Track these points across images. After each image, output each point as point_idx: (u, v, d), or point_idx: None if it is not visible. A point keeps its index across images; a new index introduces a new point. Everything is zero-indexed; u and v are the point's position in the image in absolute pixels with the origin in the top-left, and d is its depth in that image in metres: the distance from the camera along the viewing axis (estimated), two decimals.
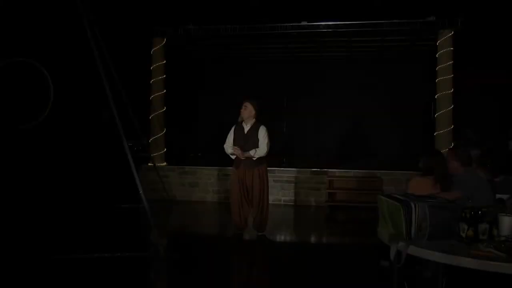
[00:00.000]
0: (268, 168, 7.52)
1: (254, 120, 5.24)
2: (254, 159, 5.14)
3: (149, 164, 8.18)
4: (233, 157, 5.28)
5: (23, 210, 6.84)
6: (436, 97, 7.75)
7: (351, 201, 7.43)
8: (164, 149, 8.43)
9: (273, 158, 7.79)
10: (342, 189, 7.52)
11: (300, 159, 9.06)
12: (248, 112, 5.17)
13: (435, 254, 2.45)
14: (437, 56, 7.66)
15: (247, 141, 5.15)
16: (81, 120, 11.56)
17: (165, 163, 8.41)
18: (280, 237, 5.97)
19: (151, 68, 8.27)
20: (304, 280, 4.24)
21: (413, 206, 2.67)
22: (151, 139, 8.38)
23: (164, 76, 8.32)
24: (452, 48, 7.53)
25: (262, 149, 5.11)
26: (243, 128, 5.26)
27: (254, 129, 5.19)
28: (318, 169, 7.76)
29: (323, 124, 10.64)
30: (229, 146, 5.24)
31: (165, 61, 8.31)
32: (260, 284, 4.39)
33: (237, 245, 5.52)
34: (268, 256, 5.32)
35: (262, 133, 5.14)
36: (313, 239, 6.05)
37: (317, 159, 9.40)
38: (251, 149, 5.11)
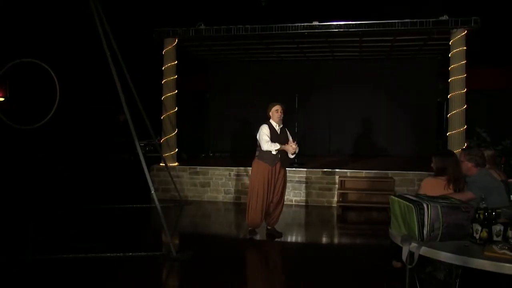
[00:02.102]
0: None
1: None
2: (291, 156, 5.35)
3: (161, 164, 8.22)
4: (274, 152, 5.19)
5: (29, 210, 6.94)
6: (449, 97, 7.66)
7: (363, 201, 7.38)
8: (175, 149, 8.47)
9: None
10: (353, 190, 7.47)
11: (311, 159, 9.04)
12: (282, 115, 5.37)
13: (448, 255, 2.44)
14: (450, 55, 7.58)
15: (283, 140, 5.31)
16: (92, 120, 11.73)
17: (176, 163, 8.45)
18: (292, 238, 5.95)
19: (163, 68, 8.31)
20: (315, 280, 4.24)
21: (425, 206, 2.66)
22: (163, 139, 8.42)
23: (176, 76, 8.36)
24: (465, 48, 7.44)
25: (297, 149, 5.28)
26: (274, 129, 5.36)
27: (283, 129, 5.42)
28: (330, 169, 7.73)
29: (334, 124, 10.60)
30: (274, 144, 5.17)
31: (176, 62, 8.34)
32: (271, 284, 4.40)
33: (248, 245, 5.53)
34: (280, 257, 5.33)
35: (288, 133, 5.42)
36: (324, 239, 6.03)
37: (328, 159, 9.38)
38: None
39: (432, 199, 2.80)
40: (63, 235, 5.71)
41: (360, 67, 10.46)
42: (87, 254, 4.74)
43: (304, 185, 7.75)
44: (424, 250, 2.55)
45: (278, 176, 5.34)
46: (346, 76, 10.45)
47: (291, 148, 5.20)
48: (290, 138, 5.33)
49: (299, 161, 8.27)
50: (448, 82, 7.64)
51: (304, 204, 7.74)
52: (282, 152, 5.29)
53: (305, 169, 7.80)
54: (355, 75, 10.42)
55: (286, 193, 7.54)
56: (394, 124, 10.30)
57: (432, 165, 3.82)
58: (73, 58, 10.19)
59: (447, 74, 7.72)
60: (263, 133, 5.23)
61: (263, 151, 5.24)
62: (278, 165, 5.31)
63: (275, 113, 5.32)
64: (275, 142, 5.21)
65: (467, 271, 2.54)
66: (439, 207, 2.67)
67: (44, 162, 10.02)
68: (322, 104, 10.59)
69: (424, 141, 10.06)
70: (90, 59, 9.73)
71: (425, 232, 2.63)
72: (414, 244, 2.62)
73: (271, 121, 5.35)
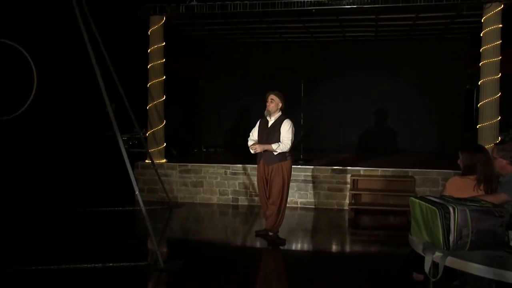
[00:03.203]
0: None
1: (280, 113, 5.54)
2: (275, 153, 5.41)
3: (147, 161, 8.20)
4: (252, 152, 5.57)
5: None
6: (479, 83, 7.61)
7: (379, 204, 7.38)
8: (163, 144, 8.45)
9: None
10: (368, 190, 7.47)
11: (319, 155, 9.02)
12: (275, 106, 5.49)
13: (479, 267, 2.41)
14: (481, 35, 7.51)
15: (270, 134, 5.47)
16: (73, 111, 11.71)
17: (164, 160, 8.43)
18: (296, 245, 5.95)
19: (149, 51, 8.27)
20: None
21: (451, 210, 2.64)
22: (148, 132, 8.40)
23: (163, 60, 8.31)
24: (500, 25, 7.33)
25: (285, 144, 5.38)
26: (267, 122, 5.55)
27: (278, 123, 5.47)
28: (340, 167, 7.71)
29: (346, 115, 10.56)
30: (251, 139, 5.64)
31: (164, 43, 8.29)
32: None
33: (247, 254, 5.54)
34: (283, 267, 5.32)
35: (286, 127, 5.44)
36: (334, 247, 6.02)
37: (339, 155, 9.36)
38: (274, 143, 5.41)
39: (459, 201, 2.77)
40: (32, 242, 5.69)
41: (376, 50, 10.40)
42: (60, 266, 4.71)
43: (311, 185, 7.74)
44: (450, 261, 2.52)
45: (267, 174, 5.51)
46: (359, 60, 10.40)
47: (254, 148, 5.46)
48: (284, 133, 5.37)
49: (305, 158, 8.25)
50: (479, 66, 7.59)
51: (311, 206, 7.73)
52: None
53: (312, 167, 7.78)
54: (370, 59, 10.36)
55: (290, 194, 7.60)
56: (415, 115, 10.25)
57: (459, 162, 3.79)
58: (48, 38, 10.14)
59: (478, 57, 7.66)
60: (253, 130, 5.70)
61: None
62: (262, 162, 5.52)
63: (267, 104, 5.51)
64: (261, 137, 5.53)
65: (502, 285, 2.51)
66: (467, 210, 2.64)
67: (16, 158, 10.00)
68: (331, 92, 10.54)
69: (450, 135, 10.03)
70: (67, 40, 9.68)
71: (451, 239, 2.61)
72: (438, 254, 2.60)
73: (270, 114, 5.57)
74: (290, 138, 5.39)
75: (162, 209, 7.58)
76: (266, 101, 5.54)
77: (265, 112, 5.53)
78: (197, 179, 8.14)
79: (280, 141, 5.39)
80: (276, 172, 5.44)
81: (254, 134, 5.67)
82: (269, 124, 5.53)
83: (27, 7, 9.69)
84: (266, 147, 5.40)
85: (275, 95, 5.49)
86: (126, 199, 7.55)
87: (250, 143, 5.64)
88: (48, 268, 4.65)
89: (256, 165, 5.79)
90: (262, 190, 5.63)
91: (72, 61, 10.98)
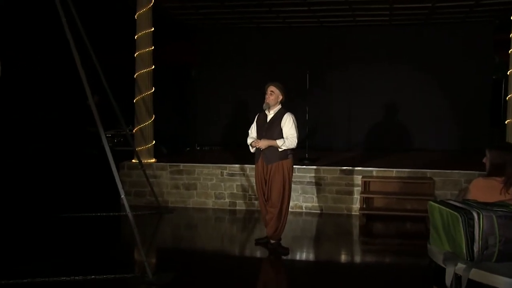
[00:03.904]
0: None
1: (279, 106, 5.56)
2: (279, 150, 5.46)
3: (134, 160, 8.19)
4: (252, 150, 5.66)
5: None
6: (508, 73, 7.60)
7: (393, 209, 7.36)
8: (152, 142, 8.44)
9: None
10: (381, 193, 7.45)
11: (326, 154, 9.01)
12: (274, 98, 5.53)
13: (507, 281, 2.39)
14: None
15: (269, 130, 5.51)
16: (49, 104, 11.69)
17: (154, 160, 8.42)
18: (301, 255, 5.94)
19: (136, 37, 8.24)
20: None
21: (476, 216, 2.63)
22: (135, 129, 8.38)
23: (152, 47, 8.29)
24: None
25: (291, 141, 5.43)
26: (266, 116, 5.60)
27: (278, 117, 5.51)
28: (350, 167, 7.70)
29: (356, 109, 10.56)
30: (251, 137, 5.70)
31: (153, 29, 8.27)
32: None
33: (245, 264, 5.52)
34: (285, 279, 5.32)
35: (289, 122, 5.48)
36: (343, 257, 6.01)
37: (348, 154, 9.35)
38: (278, 139, 5.46)
39: (484, 206, 2.76)
40: (6, 252, 5.66)
41: (390, 36, 10.39)
42: (34, 279, 4.67)
43: (317, 187, 7.73)
44: (475, 274, 2.50)
45: (266, 174, 5.55)
46: (371, 48, 10.39)
47: (255, 145, 5.52)
48: (287, 129, 5.43)
49: (311, 157, 8.24)
50: (508, 54, 7.57)
51: (317, 211, 7.73)
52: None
53: (318, 167, 7.77)
54: (383, 47, 10.36)
55: (295, 197, 7.62)
56: (434, 109, 10.25)
57: (485, 161, 3.76)
58: (19, 20, 10.10)
59: (506, 44, 7.64)
60: (251, 126, 5.79)
61: None
62: (261, 161, 5.56)
63: (265, 97, 5.56)
64: (260, 133, 5.58)
65: None
66: (494, 217, 2.62)
67: None
68: (340, 83, 10.54)
69: (474, 131, 10.02)
70: (42, 23, 9.65)
71: (475, 249, 2.60)
72: (461, 265, 2.59)
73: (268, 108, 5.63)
74: (296, 134, 5.44)
75: (151, 215, 7.56)
76: (265, 93, 5.56)
77: (264, 105, 5.55)
78: (190, 181, 8.12)
79: (283, 138, 5.43)
80: (276, 171, 5.46)
81: (253, 131, 5.72)
82: (268, 119, 5.56)
83: None
84: (271, 142, 5.42)
85: (275, 86, 5.51)
86: (111, 203, 7.53)
87: (249, 141, 5.67)
88: (21, 282, 4.62)
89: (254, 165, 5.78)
90: (261, 192, 5.66)
91: (47, 46, 10.96)
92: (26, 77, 10.99)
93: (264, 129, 5.53)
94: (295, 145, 5.47)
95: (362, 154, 9.35)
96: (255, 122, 5.73)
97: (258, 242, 5.92)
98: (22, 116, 11.09)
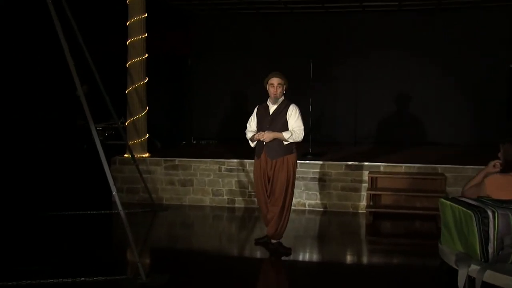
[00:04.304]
0: None
1: (283, 97, 5.58)
2: (285, 143, 5.48)
3: (126, 155, 8.18)
4: (252, 145, 5.65)
5: None
6: None
7: (402, 206, 7.37)
8: (146, 135, 8.43)
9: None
10: (389, 190, 7.46)
11: (331, 148, 9.00)
12: (282, 91, 5.56)
13: None
14: None
15: (273, 122, 5.51)
16: (35, 95, 11.67)
17: (147, 154, 8.42)
18: (304, 255, 5.95)
19: (128, 24, 8.22)
20: None
21: (491, 214, 2.63)
22: (128, 121, 8.37)
23: (145, 35, 8.27)
24: None
25: (298, 134, 5.47)
26: (267, 108, 5.58)
27: (283, 108, 5.51)
28: (356, 163, 7.70)
29: (363, 100, 10.54)
30: (250, 131, 5.67)
31: (146, 15, 8.25)
32: None
33: (244, 265, 5.53)
34: (287, 281, 5.33)
35: (295, 114, 5.51)
36: (348, 258, 6.01)
37: (354, 149, 9.35)
38: (284, 132, 5.49)
39: (500, 204, 2.76)
40: None
41: (399, 23, 10.35)
42: (20, 282, 4.66)
43: (321, 184, 7.73)
44: (490, 276, 2.50)
45: (269, 170, 5.54)
46: (379, 36, 10.35)
47: (256, 136, 5.49)
48: (293, 121, 5.46)
49: (314, 152, 8.23)
50: None
51: (321, 209, 7.73)
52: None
53: (322, 162, 7.77)
54: (392, 34, 10.31)
55: (297, 194, 7.62)
56: (446, 100, 10.23)
57: (500, 155, 3.76)
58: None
59: None
60: (250, 119, 5.75)
61: None
62: (264, 156, 5.53)
63: (270, 89, 5.53)
64: (262, 127, 5.53)
65: None
66: (510, 215, 2.62)
67: None
68: (346, 73, 10.51)
69: (489, 124, 10.00)
70: (28, 8, 9.62)
71: (490, 250, 2.60)
72: (474, 267, 2.59)
73: (269, 98, 5.61)
74: (302, 127, 5.48)
75: (145, 213, 7.57)
76: (266, 85, 5.54)
77: (272, 100, 5.52)
78: (186, 177, 8.12)
79: (289, 130, 5.46)
80: (280, 167, 5.46)
81: (252, 124, 5.70)
82: (271, 111, 5.55)
83: None
84: (277, 135, 5.41)
85: (281, 78, 5.51)
86: (102, 201, 7.53)
87: (249, 134, 5.66)
88: (6, 285, 4.62)
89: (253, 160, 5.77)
90: (262, 190, 5.64)
91: (33, 32, 10.92)
92: (6, 64, 10.95)
93: (267, 121, 5.51)
94: (302, 138, 5.49)
95: (369, 149, 9.35)
96: (254, 115, 5.70)
97: (258, 242, 5.92)
98: (2, 109, 11.06)
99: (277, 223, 5.55)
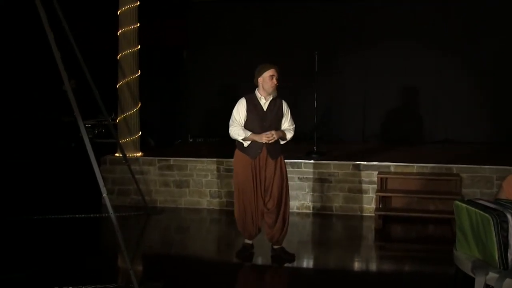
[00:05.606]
0: (291, 161, 7.59)
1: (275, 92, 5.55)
2: (281, 143, 5.51)
3: (117, 154, 8.18)
4: (246, 144, 5.48)
5: None
6: None
7: (414, 209, 7.35)
8: (138, 133, 8.44)
9: (297, 145, 7.75)
10: (400, 192, 7.44)
11: (337, 146, 9.02)
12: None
13: None
14: None
15: (274, 120, 5.46)
16: (17, 91, 11.68)
17: (140, 153, 8.43)
18: (308, 262, 5.94)
19: (118, 13, 8.22)
20: None
21: (510, 218, 2.63)
22: (119, 118, 8.37)
23: (137, 25, 8.27)
24: None
25: (293, 132, 5.59)
26: (258, 103, 5.48)
27: (277, 105, 5.50)
28: (364, 162, 7.69)
29: (372, 95, 10.55)
30: (241, 128, 5.45)
31: (138, 3, 8.25)
32: None
33: (244, 272, 5.53)
34: None
35: (288, 110, 5.58)
36: (356, 265, 6.01)
37: (362, 147, 9.35)
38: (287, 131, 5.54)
39: None
40: None
41: (411, 12, 10.34)
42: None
43: (326, 185, 7.74)
44: (509, 284, 2.49)
45: (267, 170, 5.48)
46: (390, 26, 10.34)
47: (264, 138, 5.33)
48: (286, 124, 5.51)
49: (319, 150, 8.23)
50: None
51: (326, 212, 7.73)
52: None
53: (328, 162, 7.77)
54: (403, 24, 10.31)
55: (300, 196, 7.65)
56: (462, 95, 10.22)
57: None
58: None
59: None
60: (234, 112, 5.52)
61: None
62: (263, 156, 5.45)
63: (269, 81, 5.39)
64: (255, 124, 5.41)
65: None
66: None
67: None
68: (353, 66, 10.52)
69: (508, 121, 9.99)
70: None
71: (509, 256, 2.59)
72: (492, 275, 2.58)
73: (257, 92, 5.48)
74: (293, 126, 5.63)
75: (137, 216, 7.58)
76: (259, 77, 5.44)
77: (268, 93, 5.42)
78: (181, 178, 8.13)
79: (287, 129, 5.53)
80: (277, 166, 5.50)
81: (240, 121, 5.50)
82: (265, 107, 5.47)
83: None
84: (282, 134, 5.47)
85: (277, 71, 5.44)
86: (91, 203, 7.53)
87: (241, 133, 5.44)
88: None
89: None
90: (251, 192, 5.52)
91: (16, 22, 10.91)
92: None
93: (265, 119, 5.44)
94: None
95: (378, 147, 9.35)
96: (244, 109, 5.48)
97: (241, 255, 5.79)
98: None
99: (281, 226, 5.55)
